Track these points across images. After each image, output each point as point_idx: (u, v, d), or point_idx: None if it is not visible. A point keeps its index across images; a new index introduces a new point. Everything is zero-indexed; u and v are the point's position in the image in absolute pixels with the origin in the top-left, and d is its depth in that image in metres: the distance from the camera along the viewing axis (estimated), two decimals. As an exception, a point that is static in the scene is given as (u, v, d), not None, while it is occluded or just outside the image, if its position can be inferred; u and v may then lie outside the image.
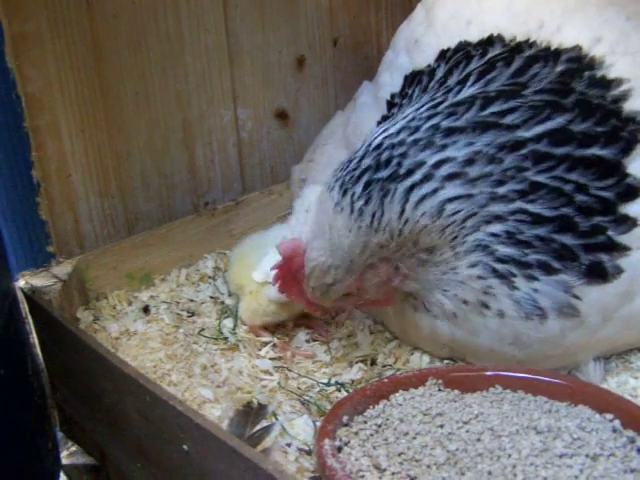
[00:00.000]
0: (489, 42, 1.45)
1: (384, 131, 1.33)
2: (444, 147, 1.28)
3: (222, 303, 1.74)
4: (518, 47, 1.42)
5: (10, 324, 1.48)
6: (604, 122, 1.31)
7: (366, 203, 1.26)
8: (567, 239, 1.28)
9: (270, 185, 2.08)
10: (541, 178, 1.28)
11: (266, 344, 1.60)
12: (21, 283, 1.58)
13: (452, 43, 1.52)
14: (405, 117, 1.33)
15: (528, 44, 1.41)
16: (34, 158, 1.60)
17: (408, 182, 1.26)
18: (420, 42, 1.62)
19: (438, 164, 1.27)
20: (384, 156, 1.28)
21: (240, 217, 1.96)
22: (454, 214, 1.27)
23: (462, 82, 1.36)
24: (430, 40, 1.60)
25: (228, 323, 1.66)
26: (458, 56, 1.46)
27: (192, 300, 1.75)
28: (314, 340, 1.62)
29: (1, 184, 1.55)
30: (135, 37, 1.76)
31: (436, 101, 1.34)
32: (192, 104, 1.90)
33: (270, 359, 1.56)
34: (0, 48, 1.51)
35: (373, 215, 1.27)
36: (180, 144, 1.91)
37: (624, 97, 1.35)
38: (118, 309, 1.72)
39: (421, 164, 1.27)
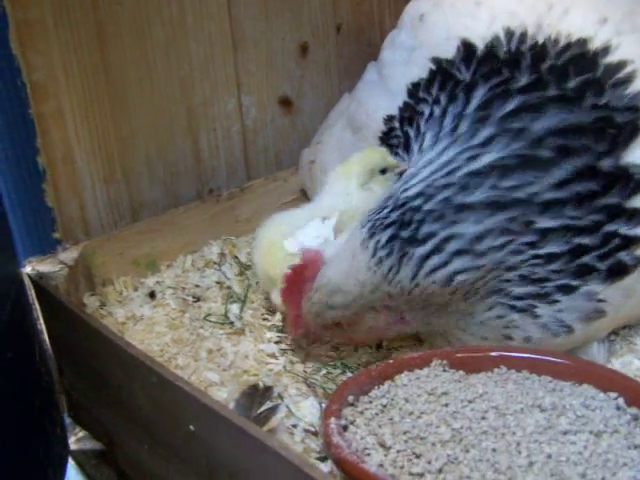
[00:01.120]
0: (516, 63, 1.42)
1: (404, 190, 1.33)
2: (454, 223, 1.28)
3: (228, 288, 1.74)
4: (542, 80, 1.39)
5: (17, 310, 1.48)
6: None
7: (387, 255, 1.28)
8: (584, 259, 1.29)
9: (275, 172, 2.08)
10: (550, 224, 1.28)
11: (271, 328, 1.60)
12: (28, 269, 1.59)
13: (460, 23, 1.53)
14: (423, 178, 1.33)
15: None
16: (39, 145, 1.60)
17: (423, 250, 1.27)
18: (426, 19, 1.62)
19: (447, 239, 1.27)
20: (406, 217, 1.29)
21: (245, 203, 1.96)
22: (463, 282, 1.28)
23: (487, 143, 1.33)
24: (436, 18, 1.60)
25: (234, 308, 1.66)
26: (498, 82, 1.40)
27: (198, 285, 1.75)
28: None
29: (7, 171, 1.56)
30: (139, 24, 1.76)
31: (454, 165, 1.32)
32: (196, 91, 1.90)
33: (275, 343, 1.56)
34: (4, 35, 1.52)
35: (390, 269, 1.28)
36: (184, 131, 1.91)
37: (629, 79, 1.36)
38: (124, 295, 1.72)
39: (433, 235, 1.28)
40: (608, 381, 1.23)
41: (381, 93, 1.69)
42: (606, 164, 1.30)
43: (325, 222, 1.54)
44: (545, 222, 1.28)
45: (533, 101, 1.35)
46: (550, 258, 1.28)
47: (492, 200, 1.28)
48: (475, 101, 1.41)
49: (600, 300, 1.31)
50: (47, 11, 1.60)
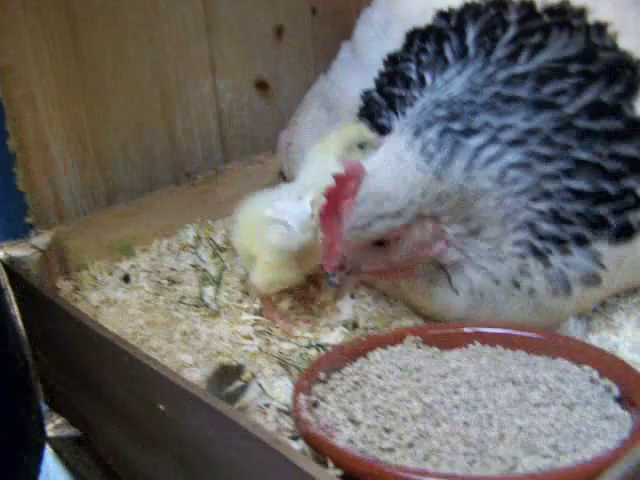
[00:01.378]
0: (502, 4, 1.45)
1: (445, 91, 1.34)
2: (507, 114, 1.29)
3: (204, 271, 1.73)
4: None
5: (-12, 296, 1.47)
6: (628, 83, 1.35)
7: (438, 149, 1.26)
8: (601, 209, 1.30)
9: (252, 155, 2.07)
10: (584, 155, 1.29)
11: (247, 310, 1.59)
12: (0, 254, 1.58)
13: None
14: (462, 83, 1.34)
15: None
16: (9, 128, 1.59)
17: (478, 140, 1.27)
18: None
19: (502, 128, 1.28)
20: (456, 110, 1.29)
21: (221, 186, 1.95)
22: (513, 183, 1.27)
23: (513, 57, 1.36)
24: None
25: (209, 290, 1.65)
26: (489, 17, 1.45)
27: (173, 269, 1.74)
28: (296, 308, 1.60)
29: (-24, 155, 1.55)
30: (110, 7, 1.75)
31: (490, 71, 1.34)
32: (169, 74, 1.89)
33: (251, 325, 1.55)
34: (-28, 20, 1.51)
35: (442, 162, 1.26)
36: (159, 115, 1.90)
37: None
38: (99, 279, 1.71)
39: (488, 124, 1.28)
40: (583, 355, 1.23)
41: (355, 70, 1.68)
42: (625, 107, 1.33)
43: (302, 199, 1.52)
44: (580, 152, 1.29)
45: (533, 26, 1.39)
46: (578, 195, 1.29)
47: (537, 99, 1.30)
48: (471, 34, 1.43)
49: (601, 265, 1.32)
50: (15, -6, 1.58)
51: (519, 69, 1.34)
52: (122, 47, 1.79)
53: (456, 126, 1.28)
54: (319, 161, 1.57)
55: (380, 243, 1.33)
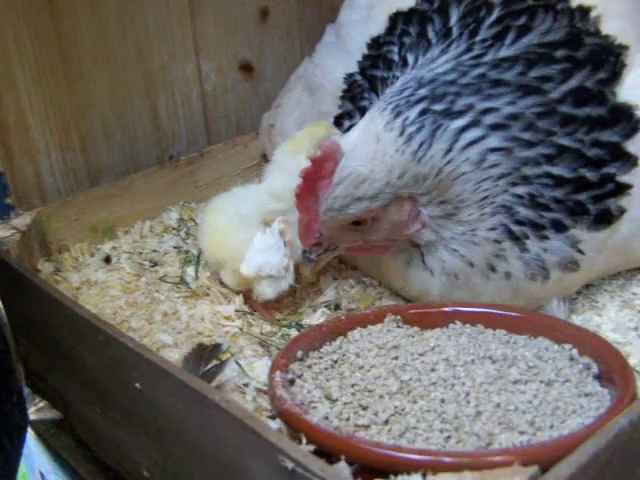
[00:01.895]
0: None
1: (430, 69, 1.32)
2: (491, 97, 1.27)
3: (186, 252, 1.72)
4: None
5: (-32, 276, 1.46)
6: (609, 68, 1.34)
7: (418, 130, 1.25)
8: (581, 196, 1.29)
9: (236, 138, 2.05)
10: (566, 141, 1.28)
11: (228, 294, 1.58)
12: (-22, 235, 1.57)
13: None
14: (447, 61, 1.33)
15: None
16: (-12, 109, 1.58)
17: (460, 122, 1.25)
18: None
19: (485, 111, 1.26)
20: (439, 90, 1.28)
21: (204, 168, 1.94)
22: (492, 167, 1.26)
23: (499, 38, 1.34)
24: None
25: (190, 271, 1.64)
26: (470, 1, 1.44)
27: (155, 251, 1.73)
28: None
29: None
30: (91, -14, 1.73)
31: (476, 52, 1.33)
32: (153, 56, 1.87)
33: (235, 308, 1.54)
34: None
35: (421, 144, 1.25)
36: (142, 96, 1.88)
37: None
38: (80, 261, 1.70)
39: (471, 107, 1.26)
40: (563, 333, 1.23)
41: (338, 53, 1.68)
42: (609, 92, 1.32)
43: (268, 231, 1.49)
44: (563, 138, 1.28)
45: (518, 8, 1.38)
46: (558, 182, 1.28)
47: (523, 83, 1.29)
48: (455, 16, 1.43)
49: (579, 251, 1.31)
50: (-7, -27, 1.56)
51: (505, 51, 1.32)
52: (104, 27, 1.77)
53: (438, 107, 1.26)
54: (291, 161, 1.55)
55: (357, 222, 1.33)
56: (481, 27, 1.37)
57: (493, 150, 1.26)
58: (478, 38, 1.35)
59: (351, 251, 1.44)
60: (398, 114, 1.27)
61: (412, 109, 1.27)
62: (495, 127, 1.26)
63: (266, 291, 1.48)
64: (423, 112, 1.26)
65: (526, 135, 1.27)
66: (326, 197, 1.30)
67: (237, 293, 1.56)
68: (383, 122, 1.28)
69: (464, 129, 1.25)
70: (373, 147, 1.28)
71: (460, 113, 1.26)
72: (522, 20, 1.36)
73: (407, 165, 1.26)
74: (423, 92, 1.28)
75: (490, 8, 1.39)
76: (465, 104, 1.27)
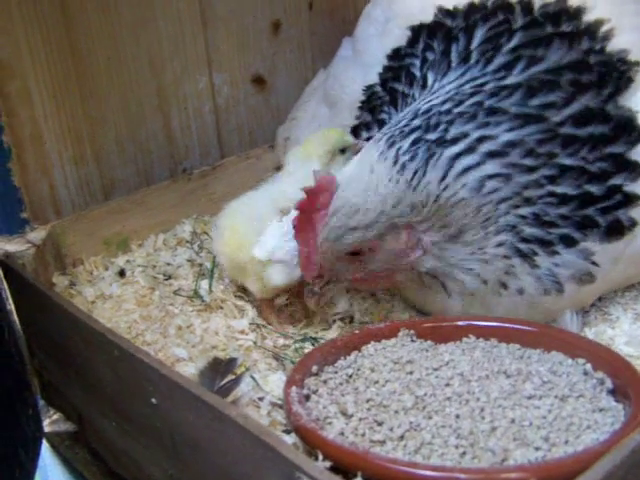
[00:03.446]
0: (509, 7, 1.44)
1: (428, 101, 1.33)
2: (487, 125, 1.28)
3: (200, 266, 1.72)
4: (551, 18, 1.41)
5: (-16, 291, 1.47)
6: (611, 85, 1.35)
7: (411, 159, 1.26)
8: (588, 210, 1.30)
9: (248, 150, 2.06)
10: (569, 161, 1.29)
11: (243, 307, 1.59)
12: (-6, 249, 1.57)
13: None
14: (448, 91, 1.34)
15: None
16: (4, 123, 1.58)
17: (454, 149, 1.26)
18: None
19: (481, 139, 1.27)
20: (433, 120, 1.29)
21: (217, 181, 1.94)
22: (491, 193, 1.27)
23: (508, 67, 1.35)
24: None
25: (204, 284, 1.65)
26: (497, 22, 1.43)
27: (169, 264, 1.74)
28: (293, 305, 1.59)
29: (-29, 150, 1.55)
30: (105, 1, 1.73)
31: (479, 81, 1.34)
32: (166, 69, 1.88)
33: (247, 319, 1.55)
34: (-34, 14, 1.50)
35: (415, 172, 1.26)
36: (155, 110, 1.89)
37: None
38: (94, 274, 1.70)
39: (466, 135, 1.27)
40: (577, 347, 1.23)
41: (355, 67, 1.69)
42: (611, 108, 1.32)
43: (284, 219, 1.49)
44: (565, 158, 1.29)
45: (536, 35, 1.37)
46: (563, 200, 1.28)
47: (523, 112, 1.29)
48: (478, 39, 1.42)
49: (593, 263, 1.32)
50: (10, -11, 1.58)
51: (511, 80, 1.33)
52: (117, 42, 1.78)
53: (431, 136, 1.27)
54: (304, 166, 1.55)
55: (355, 253, 1.34)
56: (497, 55, 1.37)
57: (491, 177, 1.27)
58: (490, 68, 1.36)
59: (355, 282, 1.45)
60: (392, 144, 1.29)
61: (405, 139, 1.28)
62: (491, 155, 1.27)
63: (277, 277, 1.48)
64: (416, 141, 1.27)
65: (526, 161, 1.28)
66: (322, 228, 1.32)
67: (260, 301, 1.56)
68: (377, 152, 1.29)
69: (458, 156, 1.26)
70: (367, 177, 1.29)
71: (454, 141, 1.27)
72: (536, 50, 1.36)
73: (402, 194, 1.27)
74: (417, 122, 1.30)
75: (511, 35, 1.39)
76: (459, 132, 1.27)
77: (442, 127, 1.28)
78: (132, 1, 1.78)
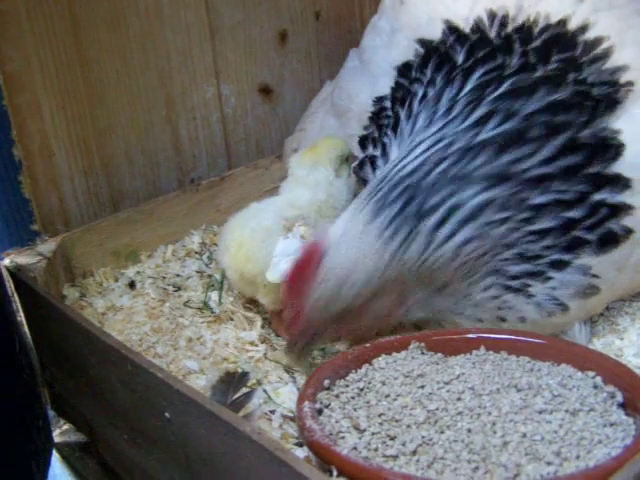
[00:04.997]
0: (509, 47, 1.43)
1: (409, 161, 1.33)
2: (453, 194, 1.28)
3: (209, 277, 1.73)
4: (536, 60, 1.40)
5: (-4, 302, 1.48)
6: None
7: (394, 234, 1.27)
8: (573, 233, 1.30)
9: (256, 160, 2.07)
10: (542, 199, 1.29)
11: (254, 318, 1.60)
12: (6, 262, 1.57)
13: (442, 5, 1.54)
14: (424, 151, 1.33)
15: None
16: (14, 136, 1.59)
17: (431, 221, 1.27)
18: (407, 1, 1.64)
19: (452, 209, 1.28)
20: (407, 194, 1.29)
21: (226, 192, 1.95)
22: (470, 253, 1.29)
23: (485, 120, 1.34)
24: (417, 0, 1.62)
25: (214, 295, 1.65)
26: (491, 68, 1.42)
27: (178, 275, 1.75)
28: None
29: (-18, 163, 1.56)
30: (114, 14, 1.75)
31: (447, 141, 1.33)
32: (174, 80, 1.89)
33: (257, 331, 1.55)
34: (-23, 27, 1.51)
35: (399, 247, 1.27)
36: (163, 121, 1.90)
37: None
38: (104, 286, 1.71)
39: (439, 206, 1.28)
40: (587, 360, 1.23)
41: (363, 77, 1.69)
42: (586, 134, 1.31)
43: (289, 235, 1.50)
44: (537, 198, 1.29)
45: (522, 83, 1.36)
46: (543, 234, 1.29)
47: (489, 174, 1.29)
48: (469, 85, 1.41)
49: (594, 275, 1.32)
50: (20, 1, 1.58)
51: (482, 136, 1.32)
52: (126, 54, 1.79)
53: (409, 210, 1.28)
54: (318, 173, 1.56)
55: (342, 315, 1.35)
56: (478, 107, 1.36)
57: (467, 242, 1.28)
58: (466, 124, 1.35)
59: (343, 335, 1.47)
60: (377, 214, 1.29)
61: (386, 212, 1.28)
62: (465, 221, 1.28)
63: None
64: (396, 215, 1.28)
65: (499, 215, 1.28)
66: (309, 295, 1.32)
67: (271, 313, 1.57)
68: (363, 222, 1.30)
69: (436, 228, 1.28)
70: (354, 249, 1.29)
71: (429, 213, 1.28)
72: (516, 101, 1.34)
73: (387, 267, 1.28)
74: (394, 195, 1.30)
75: (500, 83, 1.38)
76: (432, 205, 1.28)
77: (417, 200, 1.28)
78: (141, 14, 1.79)
